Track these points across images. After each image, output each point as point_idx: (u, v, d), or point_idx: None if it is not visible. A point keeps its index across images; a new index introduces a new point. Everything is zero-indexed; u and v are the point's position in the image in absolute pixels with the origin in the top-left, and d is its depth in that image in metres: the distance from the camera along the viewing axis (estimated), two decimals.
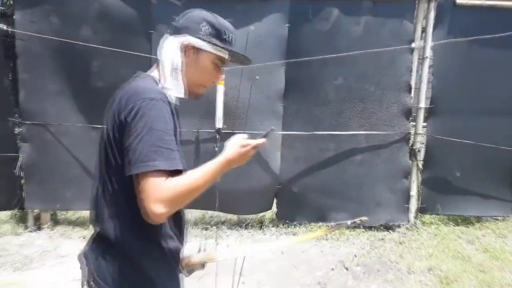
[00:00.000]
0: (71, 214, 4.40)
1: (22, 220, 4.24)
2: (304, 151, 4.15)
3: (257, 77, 3.92)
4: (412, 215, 4.25)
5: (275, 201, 4.30)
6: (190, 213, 4.46)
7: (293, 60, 3.90)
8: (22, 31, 3.70)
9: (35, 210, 4.20)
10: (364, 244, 3.90)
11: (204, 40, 1.17)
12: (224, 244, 3.84)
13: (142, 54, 3.81)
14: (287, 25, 3.94)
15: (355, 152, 4.14)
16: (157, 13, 3.85)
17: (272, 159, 4.14)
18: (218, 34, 1.19)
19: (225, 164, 1.13)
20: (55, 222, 4.30)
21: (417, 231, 4.13)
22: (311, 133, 4.07)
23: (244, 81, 3.97)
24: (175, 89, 1.14)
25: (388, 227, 4.21)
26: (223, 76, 3.68)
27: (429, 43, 4.02)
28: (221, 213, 4.39)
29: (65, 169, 4.01)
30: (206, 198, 3.73)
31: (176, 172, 1.02)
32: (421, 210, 4.31)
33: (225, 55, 1.21)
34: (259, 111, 4.05)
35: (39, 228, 4.16)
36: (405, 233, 4.12)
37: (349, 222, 1.55)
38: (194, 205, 4.09)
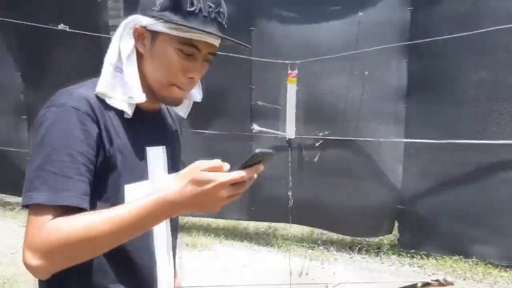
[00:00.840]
0: None
1: None
2: (434, 164, 3.54)
3: (366, 72, 3.47)
4: None
5: (396, 224, 3.79)
6: (295, 227, 4.06)
7: (416, 41, 3.27)
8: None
9: None
10: None
11: (155, 18, 0.80)
12: (331, 269, 3.32)
13: (241, 56, 3.51)
14: (409, 8, 3.42)
15: (507, 168, 3.30)
16: (256, 8, 3.66)
17: (392, 173, 3.66)
18: (176, 5, 0.79)
19: (162, 206, 0.70)
20: None
21: None
22: (443, 141, 3.38)
23: (354, 77, 3.57)
24: (120, 93, 0.82)
25: None
26: (294, 72, 3.14)
27: None
28: (333, 233, 4.01)
29: None
30: (314, 213, 3.35)
31: (78, 209, 0.72)
32: None
33: (191, 34, 0.80)
34: (374, 114, 3.62)
35: None
36: None
37: None
38: (302, 220, 3.80)
